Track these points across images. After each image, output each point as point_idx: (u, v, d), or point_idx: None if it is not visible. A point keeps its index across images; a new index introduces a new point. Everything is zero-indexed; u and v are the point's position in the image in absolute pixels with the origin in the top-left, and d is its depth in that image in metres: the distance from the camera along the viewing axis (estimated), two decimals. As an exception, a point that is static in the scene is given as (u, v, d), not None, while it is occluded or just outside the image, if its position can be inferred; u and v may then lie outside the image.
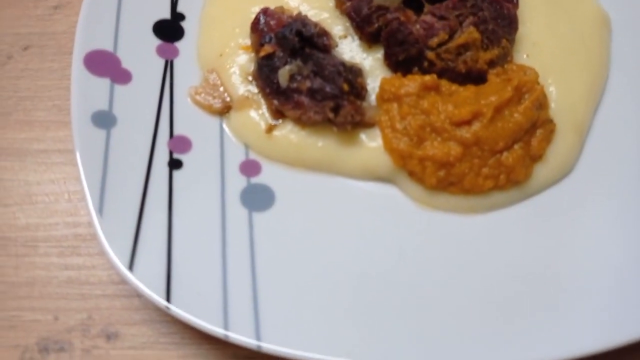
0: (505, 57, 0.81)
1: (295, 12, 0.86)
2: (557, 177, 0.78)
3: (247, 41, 0.85)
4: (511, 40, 0.81)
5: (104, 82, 0.80)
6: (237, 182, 0.77)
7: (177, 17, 0.91)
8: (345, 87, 0.76)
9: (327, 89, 0.76)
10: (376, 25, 0.81)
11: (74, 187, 0.83)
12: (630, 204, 0.77)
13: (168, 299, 0.66)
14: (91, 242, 0.78)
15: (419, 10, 0.81)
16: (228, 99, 0.83)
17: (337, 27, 0.86)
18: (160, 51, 0.87)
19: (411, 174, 0.76)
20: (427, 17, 0.78)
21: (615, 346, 0.64)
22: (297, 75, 0.77)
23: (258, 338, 0.64)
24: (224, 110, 0.83)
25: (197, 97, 0.83)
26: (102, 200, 0.71)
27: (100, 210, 0.70)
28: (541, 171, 0.77)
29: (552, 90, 0.81)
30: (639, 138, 0.82)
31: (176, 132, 0.80)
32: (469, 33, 0.77)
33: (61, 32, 0.98)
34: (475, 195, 0.75)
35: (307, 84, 0.76)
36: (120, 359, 0.70)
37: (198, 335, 0.71)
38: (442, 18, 0.78)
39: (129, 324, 0.73)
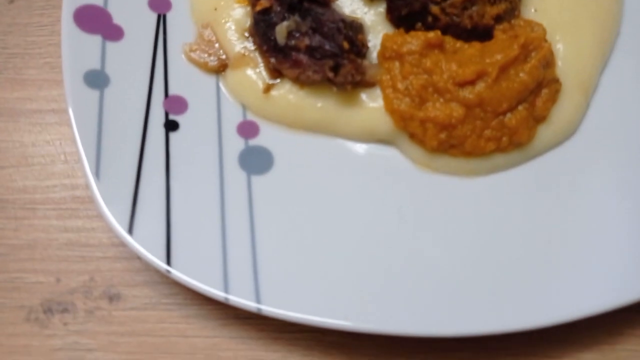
0: (512, 12, 0.77)
1: (293, -37, 0.82)
2: (561, 138, 0.76)
3: (243, -7, 0.82)
4: (519, -6, 0.78)
5: (95, 40, 0.77)
6: (235, 144, 0.76)
7: (168, -33, 0.86)
8: (346, 44, 0.73)
9: (327, 46, 0.73)
10: (378, -23, 0.77)
11: (70, 149, 0.82)
12: (634, 165, 0.76)
13: (168, 263, 0.66)
14: (90, 205, 0.78)
15: (423, -39, 0.76)
16: (224, 56, 0.80)
17: (337, -22, 0.82)
18: (152, 4, 0.83)
19: (412, 136, 0.74)
20: (432, -31, 0.74)
21: (620, 306, 0.65)
22: (295, 32, 0.74)
23: (258, 301, 0.65)
24: (220, 69, 0.80)
25: (192, 55, 0.81)
26: (99, 163, 0.70)
27: (97, 174, 0.69)
28: (544, 132, 0.75)
29: (559, 48, 0.78)
30: (646, 96, 0.81)
31: (171, 91, 0.78)
32: (475, -14, 0.73)
33: (48, -16, 0.94)
34: (477, 157, 0.74)
35: (306, 41, 0.74)
36: (122, 320, 0.72)
37: (200, 296, 0.71)
38: (447, -30, 0.74)
39: (130, 285, 0.74)
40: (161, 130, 0.74)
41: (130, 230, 0.67)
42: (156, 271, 0.74)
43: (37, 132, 0.83)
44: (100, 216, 0.74)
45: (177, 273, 0.65)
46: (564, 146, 0.77)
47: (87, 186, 0.70)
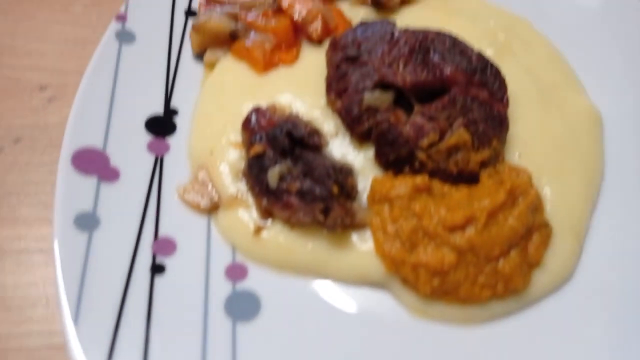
0: (496, 157, 0.80)
1: (287, 110, 0.87)
2: (557, 283, 0.75)
3: (239, 138, 0.85)
4: (502, 140, 0.81)
5: (91, 181, 0.79)
6: (221, 289, 0.73)
7: (170, 112, 0.91)
8: (335, 189, 0.74)
9: (317, 190, 0.74)
10: (367, 125, 0.81)
11: (53, 291, 0.80)
12: (634, 308, 0.73)
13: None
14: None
15: (409, 110, 0.80)
16: (216, 197, 0.81)
17: (329, 124, 0.86)
18: (151, 147, 0.86)
19: (404, 281, 0.73)
20: (417, 118, 0.78)
21: None
22: (287, 176, 0.76)
23: None
24: (213, 209, 0.81)
25: (186, 196, 0.82)
26: (79, 309, 0.68)
27: (75, 319, 0.67)
28: (540, 278, 0.74)
29: (546, 192, 0.80)
30: (639, 238, 0.80)
31: (161, 233, 0.77)
32: (459, 134, 0.76)
33: (53, 125, 0.98)
34: (473, 304, 0.71)
35: (297, 184, 0.75)
36: None
37: None
38: (431, 119, 0.77)
39: None
40: (147, 275, 0.72)
41: (104, 384, 0.63)
42: None
43: (21, 272, 0.82)
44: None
45: None
46: (561, 291, 0.75)
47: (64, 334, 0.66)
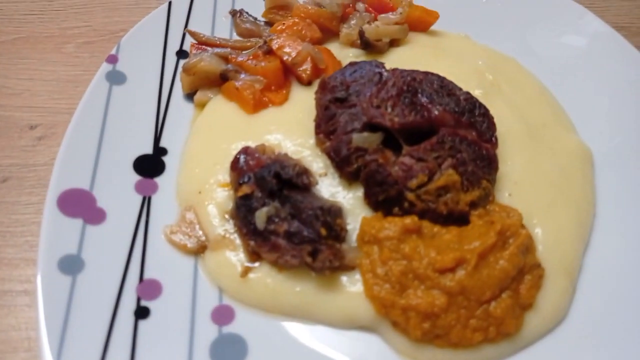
0: (486, 198, 0.79)
1: (276, 150, 0.86)
2: (550, 325, 0.73)
3: (227, 178, 0.84)
4: (492, 180, 0.80)
5: (76, 224, 0.78)
6: (207, 332, 0.72)
7: (159, 151, 0.91)
8: (323, 231, 0.73)
9: (305, 232, 0.73)
10: (355, 165, 0.80)
11: (35, 334, 0.77)
12: (629, 349, 0.72)
13: None
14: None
15: (398, 150, 0.80)
16: (203, 238, 0.80)
17: (318, 164, 0.85)
18: (139, 187, 0.86)
19: (395, 324, 0.71)
20: (406, 159, 0.78)
21: None
22: (275, 217, 0.75)
23: None
24: (199, 250, 0.80)
25: (172, 237, 0.81)
26: (60, 354, 0.66)
27: (56, 366, 0.65)
28: (533, 320, 0.72)
29: (537, 232, 0.79)
30: (632, 276, 0.79)
31: (147, 275, 0.76)
32: (448, 175, 0.76)
33: (42, 164, 0.98)
34: (464, 348, 0.70)
35: (285, 226, 0.74)
36: None
37: None
38: (420, 160, 0.77)
39: None
40: (130, 319, 0.71)
41: None
42: None
43: (3, 315, 0.80)
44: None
45: None
46: (555, 333, 0.74)
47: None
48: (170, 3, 1.10)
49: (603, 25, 1.13)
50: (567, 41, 1.13)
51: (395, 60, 1.00)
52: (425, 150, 0.78)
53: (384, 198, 0.78)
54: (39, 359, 0.73)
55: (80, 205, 0.80)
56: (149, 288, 0.74)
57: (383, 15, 1.06)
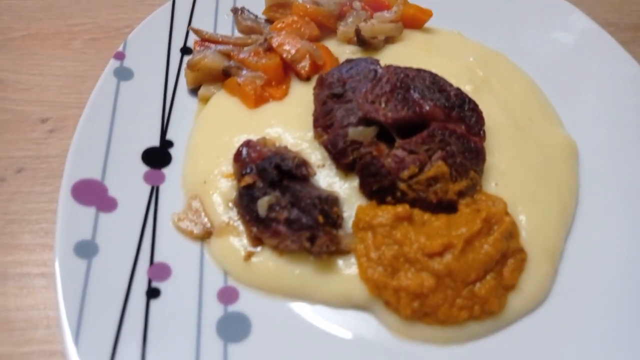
0: (474, 187, 0.84)
1: (277, 143, 0.92)
2: (532, 306, 0.79)
3: (230, 169, 0.90)
4: (479, 171, 0.86)
5: (90, 211, 0.83)
6: (214, 311, 0.77)
7: (166, 144, 0.96)
8: (321, 218, 0.78)
9: (303, 220, 0.78)
10: (351, 157, 0.86)
11: (53, 313, 0.83)
12: (607, 329, 0.77)
13: None
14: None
15: (391, 143, 0.86)
16: (209, 225, 0.86)
17: (316, 156, 0.91)
18: (147, 178, 0.91)
19: (387, 304, 0.77)
20: (398, 151, 0.83)
21: None
22: (276, 206, 0.80)
23: None
24: (205, 236, 0.85)
25: (180, 223, 0.86)
26: (79, 330, 0.72)
27: (76, 340, 0.71)
28: (515, 301, 0.78)
29: (522, 219, 0.84)
30: (612, 263, 0.84)
31: (157, 259, 0.81)
32: (437, 166, 0.81)
33: (54, 156, 1.03)
34: (451, 325, 0.75)
35: (285, 214, 0.79)
36: None
37: None
38: (412, 152, 0.82)
39: None
40: (143, 298, 0.76)
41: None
42: None
43: (23, 296, 0.85)
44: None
45: None
46: (536, 313, 0.79)
47: (64, 354, 0.70)
48: (174, 1, 1.14)
49: (591, 22, 1.17)
50: (556, 38, 1.17)
51: (391, 56, 1.05)
52: (416, 143, 0.83)
53: (378, 188, 0.83)
54: (58, 335, 0.80)
55: (92, 194, 0.85)
56: (159, 270, 0.80)
57: (379, 13, 1.11)
